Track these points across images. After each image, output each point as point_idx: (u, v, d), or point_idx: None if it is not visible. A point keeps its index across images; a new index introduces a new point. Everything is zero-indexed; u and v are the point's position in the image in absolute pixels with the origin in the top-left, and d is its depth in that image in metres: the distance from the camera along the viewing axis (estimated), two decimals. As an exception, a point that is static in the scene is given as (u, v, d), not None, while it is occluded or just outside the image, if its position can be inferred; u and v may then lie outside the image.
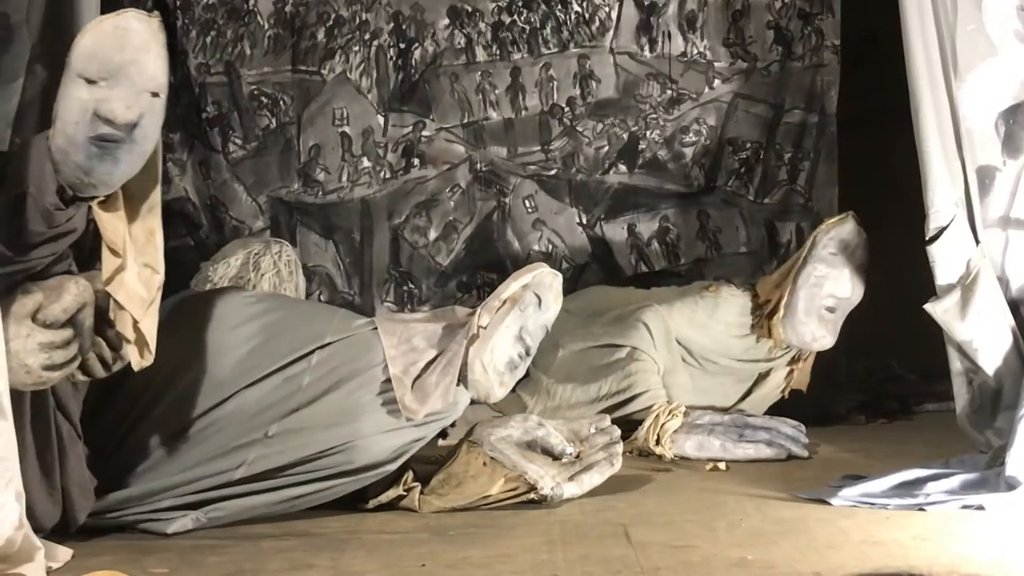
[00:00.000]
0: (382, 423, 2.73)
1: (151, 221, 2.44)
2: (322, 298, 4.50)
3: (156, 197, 2.46)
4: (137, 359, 2.41)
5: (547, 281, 2.91)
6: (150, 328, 2.41)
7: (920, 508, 2.71)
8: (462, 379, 2.80)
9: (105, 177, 2.32)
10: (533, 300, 2.87)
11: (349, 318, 2.87)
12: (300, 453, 2.70)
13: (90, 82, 2.28)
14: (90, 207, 2.37)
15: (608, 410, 3.72)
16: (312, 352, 2.75)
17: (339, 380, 2.74)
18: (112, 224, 2.37)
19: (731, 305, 3.96)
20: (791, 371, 3.99)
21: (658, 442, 3.52)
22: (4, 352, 2.09)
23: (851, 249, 3.80)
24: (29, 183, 2.31)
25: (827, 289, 3.80)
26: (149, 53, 2.32)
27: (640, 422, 3.62)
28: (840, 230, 3.82)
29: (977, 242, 3.08)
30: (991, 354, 3.07)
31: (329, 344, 2.77)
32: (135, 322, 2.39)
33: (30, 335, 2.22)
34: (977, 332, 3.07)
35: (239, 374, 2.71)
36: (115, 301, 2.35)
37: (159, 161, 2.45)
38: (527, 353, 2.89)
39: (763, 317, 3.91)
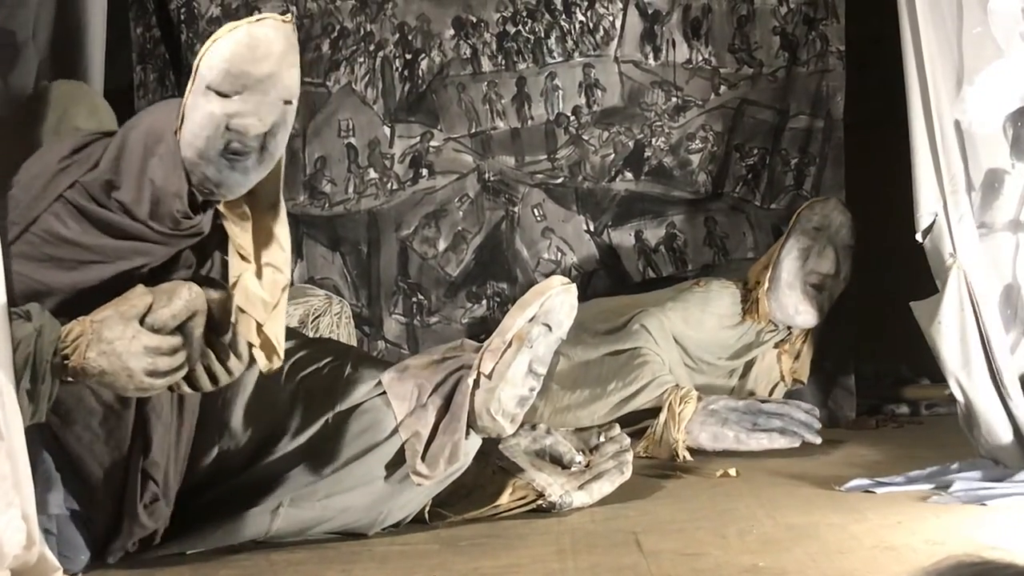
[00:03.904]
0: (402, 490, 2.69)
1: (274, 221, 2.39)
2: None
3: (279, 197, 2.42)
4: (265, 362, 2.38)
5: (556, 305, 2.72)
6: (276, 330, 2.37)
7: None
8: (471, 426, 2.69)
9: (234, 186, 2.29)
10: (542, 330, 2.71)
11: (356, 382, 2.74)
12: (320, 518, 2.66)
13: (222, 95, 2.22)
14: (217, 211, 2.35)
15: (619, 405, 3.72)
16: (325, 422, 2.68)
17: (354, 452, 2.66)
18: (240, 228, 2.35)
19: (722, 296, 4.04)
20: (780, 353, 4.01)
21: (682, 445, 3.50)
22: (11, 367, 2.09)
23: (835, 227, 3.95)
24: (155, 180, 2.26)
25: (810, 264, 3.95)
26: (285, 63, 2.24)
27: (652, 411, 3.61)
28: (823, 207, 4.01)
29: (954, 251, 3.04)
30: (951, 365, 3.06)
31: (339, 413, 2.69)
32: (259, 326, 2.34)
33: (135, 337, 2.15)
34: (938, 340, 3.06)
35: (254, 446, 2.65)
36: (237, 306, 2.30)
37: (282, 163, 2.40)
38: (539, 381, 2.74)
39: (753, 301, 3.97)
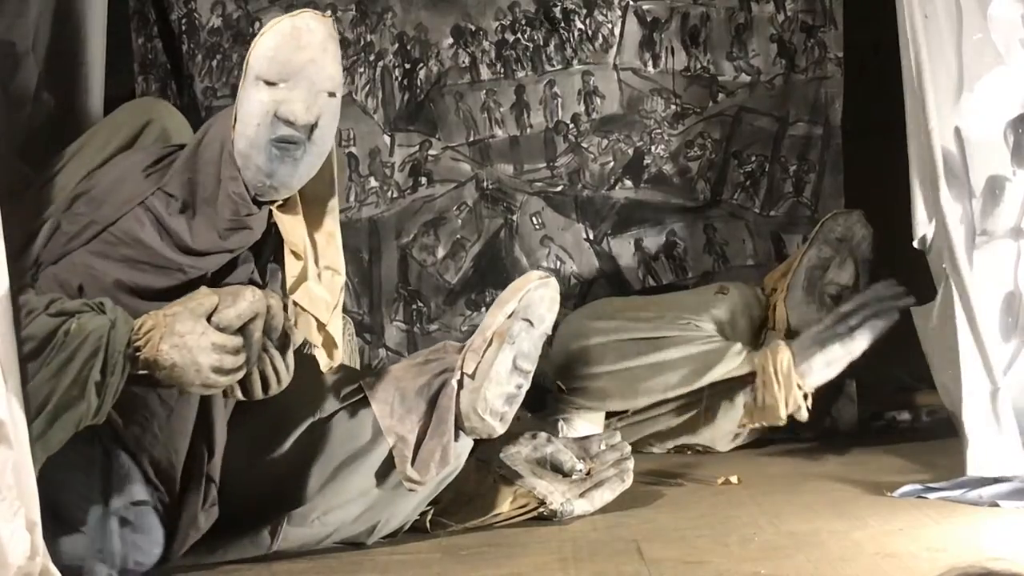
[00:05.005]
0: (395, 498, 2.67)
1: (330, 223, 2.50)
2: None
3: (334, 199, 2.51)
4: (326, 360, 2.48)
5: (535, 300, 2.67)
6: (336, 330, 2.48)
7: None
8: (460, 428, 2.65)
9: (286, 179, 2.37)
10: (523, 326, 2.66)
11: (337, 388, 2.70)
12: (319, 534, 2.65)
13: (270, 84, 2.34)
14: (271, 211, 2.42)
15: (691, 374, 3.68)
16: (308, 428, 2.65)
17: (342, 459, 2.64)
18: (293, 227, 2.43)
19: (749, 301, 4.03)
20: None
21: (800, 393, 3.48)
22: (16, 372, 2.08)
23: (856, 239, 3.94)
24: (220, 177, 2.37)
25: (830, 274, 3.94)
26: (327, 53, 2.36)
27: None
28: (847, 218, 3.99)
29: (953, 257, 3.03)
30: (941, 375, 3.06)
31: (321, 420, 2.66)
32: (320, 326, 2.44)
33: (204, 333, 2.22)
34: (931, 347, 3.07)
35: (243, 458, 2.62)
36: (299, 306, 2.40)
37: (335, 162, 2.50)
38: (527, 378, 2.70)
39: (770, 308, 3.98)
